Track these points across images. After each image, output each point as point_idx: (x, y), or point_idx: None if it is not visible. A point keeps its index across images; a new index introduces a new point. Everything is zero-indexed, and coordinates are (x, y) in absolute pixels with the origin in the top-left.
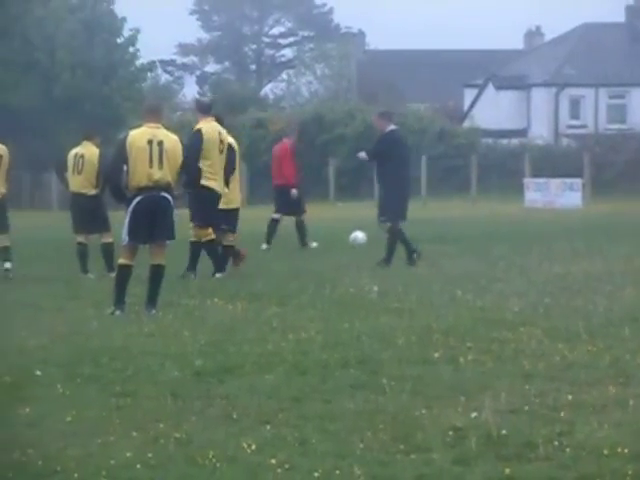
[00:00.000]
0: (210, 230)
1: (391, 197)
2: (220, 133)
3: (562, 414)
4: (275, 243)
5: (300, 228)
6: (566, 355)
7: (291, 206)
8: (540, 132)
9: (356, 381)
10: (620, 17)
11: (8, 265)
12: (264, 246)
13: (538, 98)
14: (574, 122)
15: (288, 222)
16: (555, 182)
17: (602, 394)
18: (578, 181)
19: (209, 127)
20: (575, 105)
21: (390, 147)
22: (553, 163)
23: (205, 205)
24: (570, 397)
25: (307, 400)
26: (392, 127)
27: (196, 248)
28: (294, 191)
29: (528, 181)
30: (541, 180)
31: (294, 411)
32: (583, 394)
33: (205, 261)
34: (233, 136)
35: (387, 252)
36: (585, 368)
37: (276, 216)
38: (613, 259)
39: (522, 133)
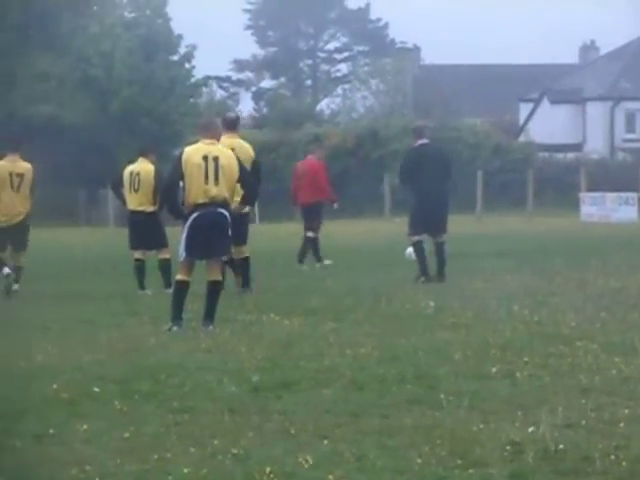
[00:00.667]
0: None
1: (413, 211)
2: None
3: (619, 428)
4: (329, 259)
5: (316, 245)
6: (623, 369)
7: (318, 222)
8: (595, 146)
9: (413, 396)
10: None
11: (16, 287)
12: (326, 262)
13: (593, 112)
14: (630, 136)
15: (340, 238)
16: (611, 196)
17: None
18: (634, 195)
19: (228, 144)
20: (631, 119)
21: (413, 162)
22: (609, 177)
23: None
24: (627, 411)
25: (364, 415)
26: (422, 142)
27: (244, 264)
28: (336, 204)
29: (584, 195)
30: (597, 194)
31: (351, 426)
32: (638, 408)
33: (261, 277)
34: (286, 152)
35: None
36: None
37: (312, 234)
38: None
39: (577, 147)
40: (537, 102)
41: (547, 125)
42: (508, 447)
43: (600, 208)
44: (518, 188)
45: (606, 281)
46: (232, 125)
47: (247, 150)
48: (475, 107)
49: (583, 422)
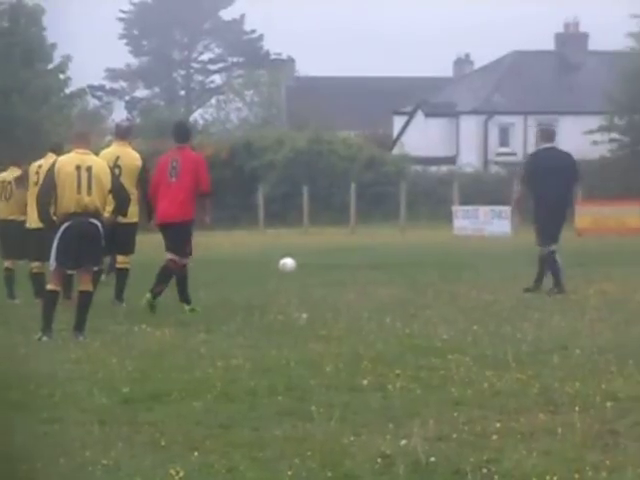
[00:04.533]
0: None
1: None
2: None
3: (490, 441)
4: (201, 271)
5: None
6: (494, 383)
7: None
8: (469, 160)
9: (284, 408)
10: (549, 45)
11: None
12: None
13: (467, 126)
14: (503, 150)
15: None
16: (484, 210)
17: (530, 422)
18: (507, 209)
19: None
20: (504, 133)
21: (529, 167)
22: (482, 191)
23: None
24: (498, 425)
25: (235, 427)
26: (543, 146)
27: (122, 275)
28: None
29: (457, 209)
30: (470, 208)
31: (222, 438)
32: (511, 422)
33: (132, 288)
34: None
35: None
36: (513, 396)
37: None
38: (542, 287)
39: (451, 160)
40: (411, 115)
41: (421, 138)
42: (379, 459)
43: (473, 222)
44: (391, 201)
45: (478, 294)
46: (123, 133)
47: (133, 159)
48: (350, 119)
49: (454, 435)
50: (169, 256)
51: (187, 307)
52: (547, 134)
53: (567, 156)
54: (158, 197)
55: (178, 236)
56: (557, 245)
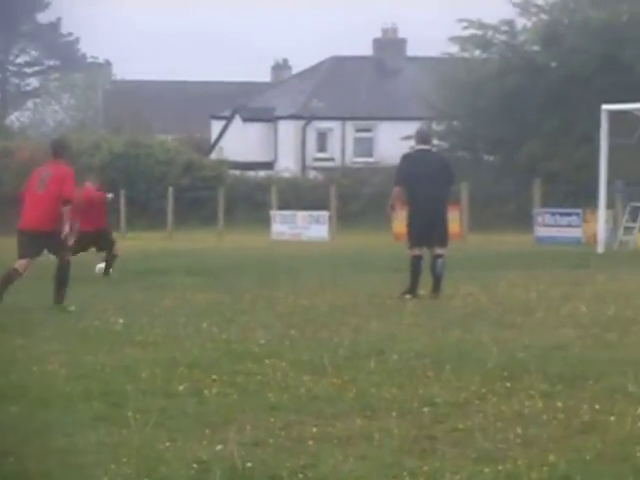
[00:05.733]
0: None
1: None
2: None
3: (307, 447)
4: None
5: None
6: (311, 387)
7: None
8: (287, 164)
9: (99, 414)
10: (368, 50)
11: None
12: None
13: (285, 131)
14: (321, 155)
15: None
16: (302, 215)
17: (347, 427)
18: (325, 214)
19: None
20: (322, 138)
21: (401, 168)
22: (300, 196)
23: None
24: (315, 430)
25: (50, 433)
26: (417, 147)
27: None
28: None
29: (275, 213)
30: (288, 213)
31: (37, 444)
32: (328, 427)
33: None
34: None
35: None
36: (330, 401)
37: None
38: (359, 291)
39: (269, 166)
40: (229, 120)
41: (240, 143)
42: (195, 465)
43: (291, 226)
44: (209, 205)
45: (296, 299)
46: None
47: None
48: (167, 123)
49: (271, 440)
50: (17, 264)
51: (64, 306)
52: (422, 136)
53: (440, 159)
54: (26, 205)
55: (52, 240)
56: (422, 250)
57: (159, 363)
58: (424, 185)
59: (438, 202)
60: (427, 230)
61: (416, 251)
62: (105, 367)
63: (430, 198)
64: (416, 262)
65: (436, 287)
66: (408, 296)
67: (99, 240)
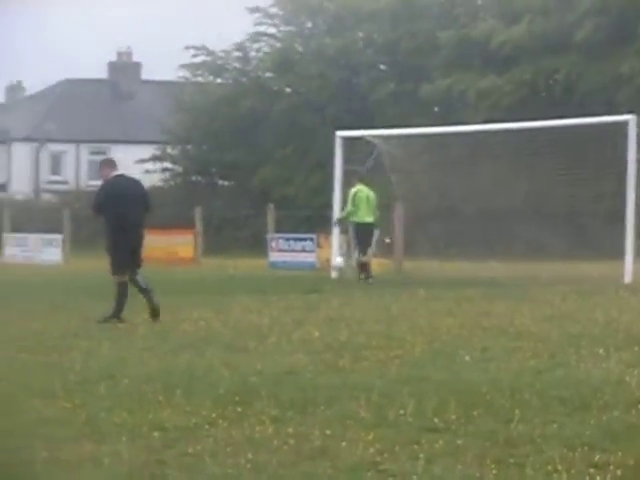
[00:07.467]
0: None
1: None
2: None
3: (35, 471)
4: None
5: None
6: (41, 411)
7: None
8: (21, 187)
9: None
10: (103, 73)
11: None
12: None
13: (19, 153)
14: (55, 178)
15: None
16: (35, 237)
17: (77, 451)
18: (59, 237)
19: None
20: (56, 161)
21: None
22: (33, 218)
23: None
24: (45, 454)
25: None
26: (114, 174)
27: None
28: None
29: (8, 236)
30: (21, 235)
31: None
32: (58, 451)
33: None
34: None
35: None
36: (60, 425)
37: None
38: (91, 315)
39: (2, 188)
40: None
41: None
42: None
43: (24, 249)
44: None
45: (28, 322)
46: None
47: None
48: None
49: None
50: None
51: None
52: (112, 162)
53: (138, 183)
54: None
55: None
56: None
57: None
58: (127, 210)
59: (139, 226)
60: (131, 256)
61: (123, 277)
62: None
63: (133, 223)
64: (124, 287)
65: (154, 302)
66: (115, 320)
67: None
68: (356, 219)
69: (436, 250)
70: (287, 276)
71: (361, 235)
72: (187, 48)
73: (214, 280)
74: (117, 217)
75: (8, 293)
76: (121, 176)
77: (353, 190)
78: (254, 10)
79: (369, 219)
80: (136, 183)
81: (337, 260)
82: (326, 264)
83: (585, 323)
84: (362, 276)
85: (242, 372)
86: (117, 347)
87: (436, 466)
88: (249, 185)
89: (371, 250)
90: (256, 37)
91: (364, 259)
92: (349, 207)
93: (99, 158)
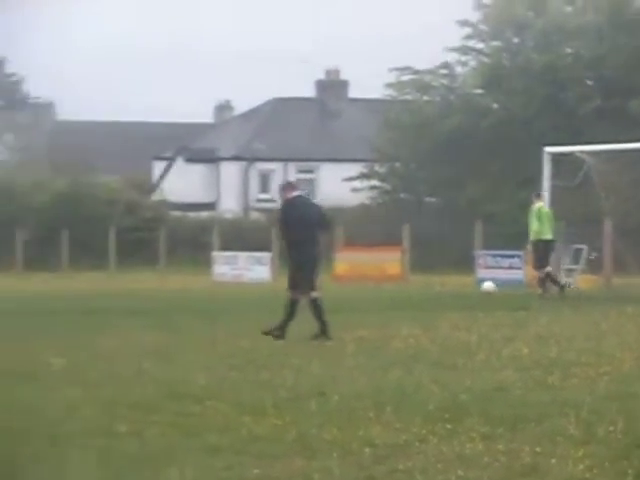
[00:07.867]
0: None
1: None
2: None
3: None
4: None
5: None
6: (252, 429)
7: None
8: (229, 205)
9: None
10: (310, 92)
11: None
12: None
13: (227, 172)
14: (263, 196)
15: None
16: (243, 256)
17: (288, 467)
18: (267, 255)
19: None
20: (264, 179)
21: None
22: (242, 237)
23: None
24: (256, 471)
25: None
26: (293, 194)
27: None
28: None
29: (217, 254)
30: (230, 254)
31: None
32: (269, 467)
33: None
34: None
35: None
36: (271, 442)
37: None
38: (301, 333)
39: (212, 206)
40: (171, 160)
41: (182, 183)
42: None
43: (233, 267)
44: (151, 246)
45: (237, 340)
46: None
47: None
48: (110, 164)
49: None
50: None
51: None
52: (293, 185)
53: (314, 204)
54: None
55: None
56: (318, 292)
57: (100, 403)
58: (303, 230)
59: (315, 246)
60: (310, 274)
61: (297, 295)
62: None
63: (309, 242)
64: (316, 303)
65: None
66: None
67: None
68: (541, 236)
69: None
70: (495, 293)
71: (541, 251)
72: (390, 70)
73: (422, 297)
74: (296, 235)
75: (218, 311)
76: (300, 197)
77: (536, 206)
78: (464, 23)
79: (549, 236)
80: (313, 204)
81: (488, 284)
82: (534, 281)
83: None
84: (540, 291)
85: (451, 389)
86: (327, 365)
87: None
88: (456, 202)
89: (579, 266)
90: (465, 50)
91: (542, 275)
92: (535, 224)
93: (307, 177)
